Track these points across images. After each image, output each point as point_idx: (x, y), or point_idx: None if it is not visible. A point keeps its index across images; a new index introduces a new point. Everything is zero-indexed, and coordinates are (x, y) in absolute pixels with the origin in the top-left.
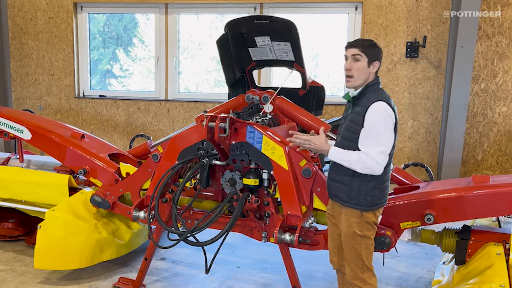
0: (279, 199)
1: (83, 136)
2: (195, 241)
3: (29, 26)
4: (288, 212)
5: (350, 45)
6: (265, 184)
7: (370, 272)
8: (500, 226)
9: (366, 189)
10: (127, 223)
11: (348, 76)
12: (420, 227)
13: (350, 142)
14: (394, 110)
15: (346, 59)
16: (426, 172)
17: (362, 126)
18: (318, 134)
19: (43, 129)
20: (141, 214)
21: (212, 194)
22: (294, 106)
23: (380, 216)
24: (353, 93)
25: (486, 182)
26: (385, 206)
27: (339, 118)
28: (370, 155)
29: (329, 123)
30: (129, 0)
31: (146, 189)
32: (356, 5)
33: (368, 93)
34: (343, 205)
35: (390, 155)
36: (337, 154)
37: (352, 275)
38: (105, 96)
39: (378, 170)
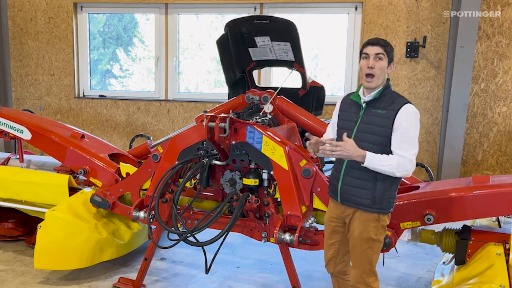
0: (279, 199)
1: (83, 136)
2: (195, 241)
3: (29, 26)
4: (288, 212)
5: (373, 43)
6: (265, 184)
7: (375, 276)
8: (500, 226)
9: (389, 193)
10: (127, 223)
11: (369, 75)
12: (420, 227)
13: (368, 143)
14: None
15: (365, 57)
16: (426, 172)
17: (391, 129)
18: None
19: (43, 129)
20: (141, 214)
21: (212, 194)
22: (294, 106)
23: None
24: (371, 95)
25: (486, 182)
26: None
27: None
28: (407, 158)
29: (329, 123)
30: (129, 0)
31: (146, 189)
32: (356, 5)
33: (388, 95)
34: (364, 211)
35: None
36: (374, 160)
37: (357, 279)
38: (105, 96)
39: (411, 172)
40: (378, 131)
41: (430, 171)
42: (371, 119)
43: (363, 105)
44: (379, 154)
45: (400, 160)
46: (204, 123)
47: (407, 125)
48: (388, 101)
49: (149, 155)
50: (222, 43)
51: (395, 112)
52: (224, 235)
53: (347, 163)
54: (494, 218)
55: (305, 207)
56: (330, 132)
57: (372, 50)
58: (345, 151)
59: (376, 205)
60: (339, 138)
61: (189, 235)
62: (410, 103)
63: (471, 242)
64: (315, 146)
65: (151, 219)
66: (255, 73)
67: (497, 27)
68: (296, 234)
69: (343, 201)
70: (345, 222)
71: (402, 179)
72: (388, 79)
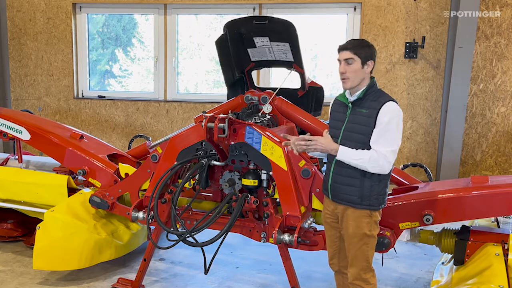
0: (278, 200)
1: (82, 136)
2: (194, 241)
3: (28, 27)
4: (287, 213)
5: (342, 48)
6: (264, 184)
7: (372, 272)
8: (498, 227)
9: (378, 189)
10: (126, 223)
11: (344, 78)
12: (419, 228)
13: (353, 142)
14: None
15: (339, 63)
16: (425, 172)
17: (374, 127)
18: (317, 135)
19: (42, 129)
20: (140, 214)
21: (211, 194)
22: (293, 106)
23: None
24: (355, 95)
25: (485, 182)
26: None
27: None
28: (382, 153)
29: (328, 123)
30: (128, 1)
31: (145, 190)
32: (355, 5)
33: (371, 94)
34: (354, 208)
35: None
36: (347, 153)
37: (355, 276)
38: (104, 97)
39: (388, 169)
40: (362, 130)
41: (429, 172)
42: (356, 118)
43: (350, 105)
44: (353, 149)
45: (373, 154)
46: (203, 123)
47: (387, 121)
48: (372, 100)
49: (148, 155)
50: (221, 43)
51: (377, 111)
52: (223, 236)
53: (336, 161)
54: (493, 219)
55: (304, 208)
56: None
57: (341, 55)
58: (319, 144)
59: (365, 201)
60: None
61: (188, 235)
62: (394, 100)
63: (470, 242)
64: (294, 145)
65: (150, 220)
66: (254, 73)
67: (495, 27)
68: (295, 235)
69: (334, 198)
70: (338, 218)
71: (401, 180)
72: (372, 78)
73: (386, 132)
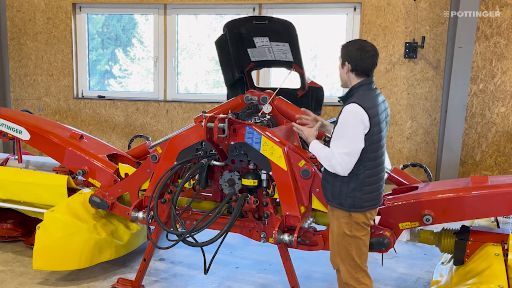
0: (278, 200)
1: (81, 136)
2: (194, 241)
3: (27, 27)
4: (287, 213)
5: None
6: (264, 184)
7: (364, 272)
8: (498, 227)
9: (346, 190)
10: (126, 223)
11: None
12: (419, 228)
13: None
14: (369, 113)
15: None
16: (425, 172)
17: None
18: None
19: (42, 129)
20: (140, 214)
21: (211, 194)
22: (293, 106)
23: (378, 217)
24: (343, 94)
25: (484, 182)
26: (377, 208)
27: None
28: (334, 154)
29: (329, 123)
30: (128, 1)
31: (145, 190)
32: (355, 5)
33: (352, 95)
34: (329, 204)
35: (372, 158)
36: (314, 148)
37: (346, 274)
38: (104, 97)
39: (340, 171)
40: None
41: (428, 172)
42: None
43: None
44: (321, 145)
45: (328, 154)
46: (203, 123)
47: (340, 123)
48: (348, 100)
49: (148, 155)
50: (221, 43)
51: (341, 111)
52: (223, 236)
53: None
54: (492, 219)
55: (304, 208)
56: None
57: None
58: (303, 134)
59: (335, 200)
60: None
61: (188, 235)
62: (359, 103)
63: (469, 242)
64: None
65: (150, 220)
66: (254, 73)
67: (495, 27)
68: (295, 235)
69: (324, 195)
70: None
71: (401, 180)
72: (366, 79)
73: (339, 133)
